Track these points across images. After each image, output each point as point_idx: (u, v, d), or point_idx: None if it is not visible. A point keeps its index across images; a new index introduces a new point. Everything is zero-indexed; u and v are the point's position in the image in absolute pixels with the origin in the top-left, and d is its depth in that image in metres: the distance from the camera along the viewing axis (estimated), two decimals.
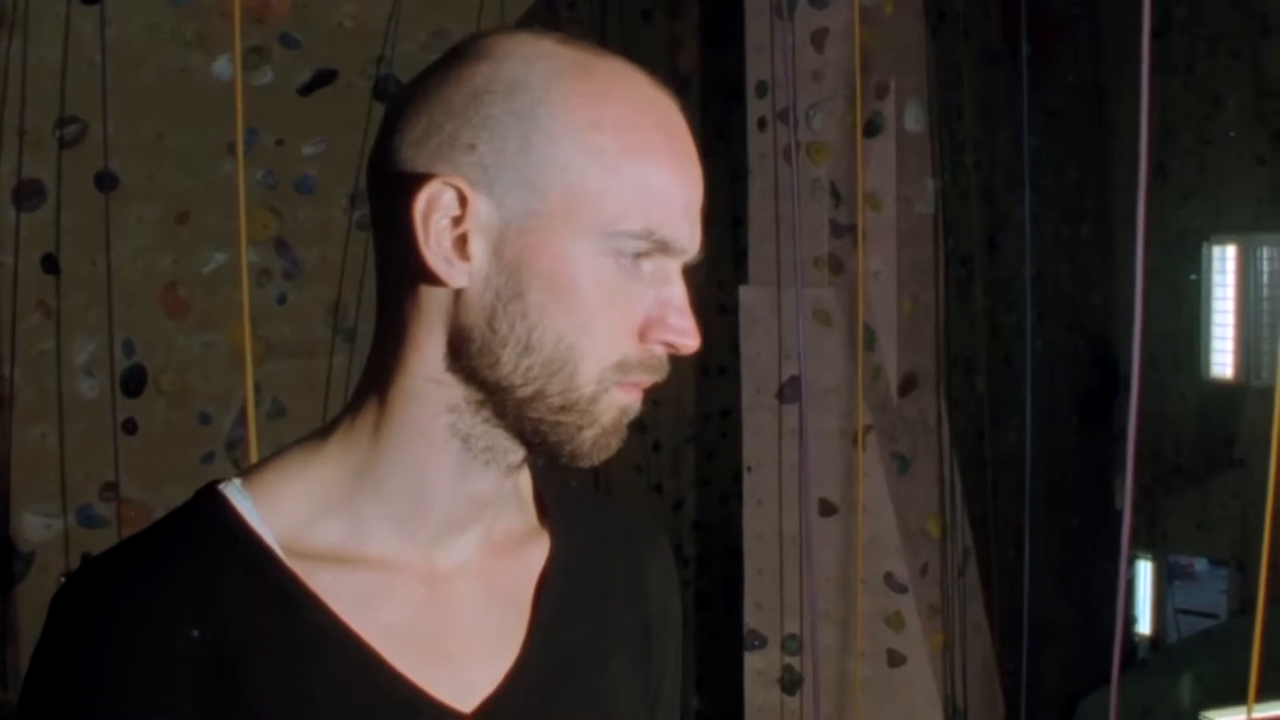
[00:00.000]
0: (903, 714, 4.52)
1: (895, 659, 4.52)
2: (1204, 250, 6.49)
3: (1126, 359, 9.69)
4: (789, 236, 4.45)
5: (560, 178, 1.01)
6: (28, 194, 3.87)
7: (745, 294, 4.65)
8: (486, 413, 1.06)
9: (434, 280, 1.03)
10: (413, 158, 1.02)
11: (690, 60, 6.45)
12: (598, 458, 1.07)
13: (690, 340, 1.06)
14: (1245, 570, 10.71)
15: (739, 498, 4.72)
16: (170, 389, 4.28)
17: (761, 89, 4.53)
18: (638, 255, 1.04)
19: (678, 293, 1.06)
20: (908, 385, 4.66)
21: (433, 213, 1.01)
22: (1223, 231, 6.78)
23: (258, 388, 4.47)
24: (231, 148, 4.17)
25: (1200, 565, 12.29)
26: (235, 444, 4.44)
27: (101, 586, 1.03)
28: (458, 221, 1.01)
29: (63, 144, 3.92)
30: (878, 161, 4.49)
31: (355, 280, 4.52)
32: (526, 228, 1.02)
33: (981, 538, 4.83)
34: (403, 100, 1.06)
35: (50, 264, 3.96)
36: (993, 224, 6.71)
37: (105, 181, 3.99)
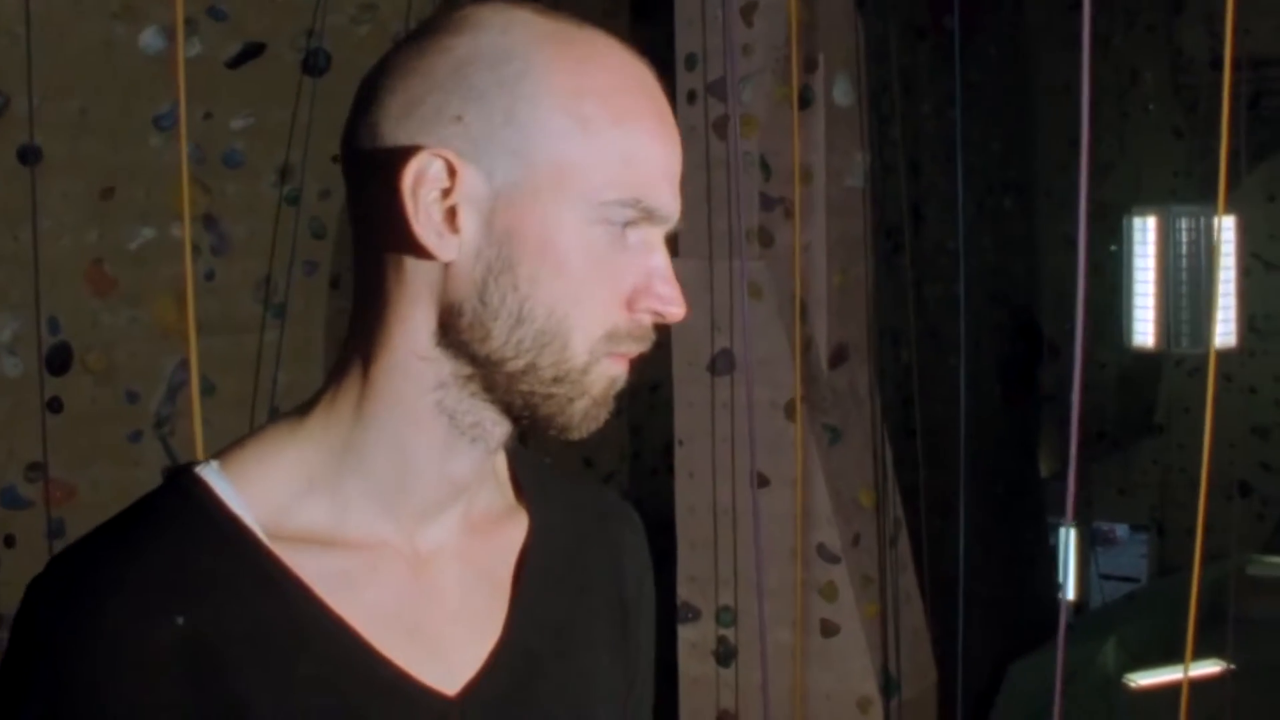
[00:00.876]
0: (837, 683, 4.56)
1: (829, 629, 4.56)
2: (1124, 222, 6.57)
3: (1051, 328, 9.82)
4: (720, 209, 4.46)
5: (548, 147, 1.01)
6: None
7: (676, 267, 4.64)
8: (474, 388, 1.04)
9: (422, 254, 1.01)
10: (395, 130, 1.01)
11: (619, 32, 6.42)
12: (587, 429, 1.06)
13: (677, 308, 1.07)
14: (1164, 535, 10.91)
15: (669, 470, 4.72)
16: (96, 367, 4.23)
17: (691, 62, 4.52)
18: (625, 224, 1.04)
19: (662, 261, 1.07)
20: (838, 357, 4.68)
21: (421, 185, 0.99)
22: (1142, 203, 6.86)
23: (185, 365, 4.42)
24: (158, 121, 4.12)
25: (1121, 531, 12.50)
26: (164, 422, 4.39)
27: (79, 574, 1.00)
28: (446, 194, 1.00)
29: None
30: (808, 135, 4.50)
31: (285, 256, 4.48)
32: (516, 199, 1.01)
33: (912, 508, 4.88)
34: (378, 74, 1.05)
35: None
36: (918, 197, 6.76)
37: (29, 155, 3.92)
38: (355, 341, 1.07)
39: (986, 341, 8.40)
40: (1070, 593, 11.29)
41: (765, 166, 4.50)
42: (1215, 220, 5.94)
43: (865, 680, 4.56)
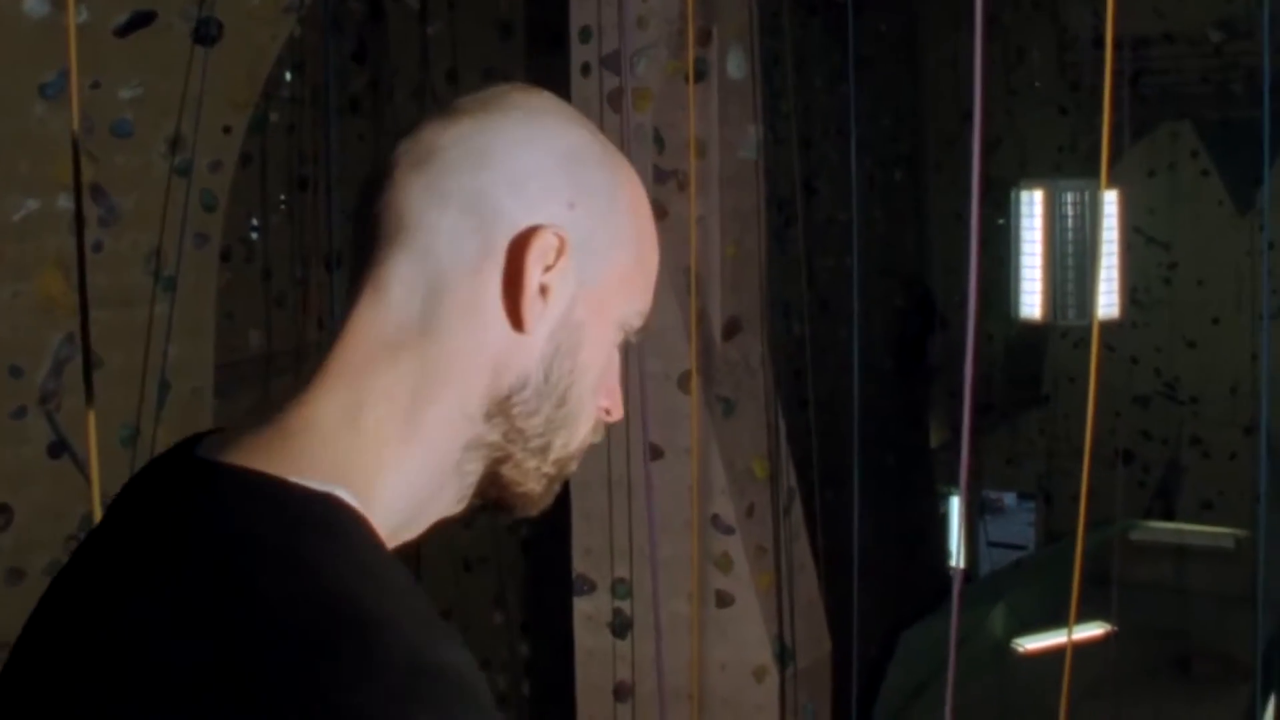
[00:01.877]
0: (732, 653, 4.61)
1: (724, 599, 4.61)
2: (1012, 196, 6.68)
3: (940, 301, 9.95)
4: None
5: (620, 257, 1.09)
6: None
7: None
8: (489, 456, 1.08)
9: (512, 320, 1.05)
10: (505, 199, 1.05)
11: (513, 6, 6.42)
12: (534, 512, 1.12)
13: (621, 412, 1.14)
14: (1051, 502, 11.13)
15: None
16: None
17: (585, 35, 4.52)
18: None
19: (618, 363, 1.14)
20: (731, 329, 4.72)
21: (538, 259, 1.04)
22: (1029, 178, 6.98)
23: (71, 339, 4.34)
24: (44, 90, 4.03)
25: (1009, 499, 12.72)
26: (49, 397, 4.31)
27: (423, 663, 0.92)
28: (547, 270, 1.05)
29: None
30: (701, 108, 4.52)
31: (175, 227, 4.41)
32: (592, 293, 1.08)
33: (805, 478, 4.93)
34: (472, 132, 1.07)
35: None
36: (809, 170, 6.82)
37: None
38: (398, 368, 1.06)
39: (878, 314, 8.50)
40: (959, 560, 11.48)
41: (659, 139, 4.52)
42: (1098, 194, 6.07)
43: (761, 650, 4.61)
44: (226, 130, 4.60)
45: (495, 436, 1.07)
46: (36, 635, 1.03)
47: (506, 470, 1.09)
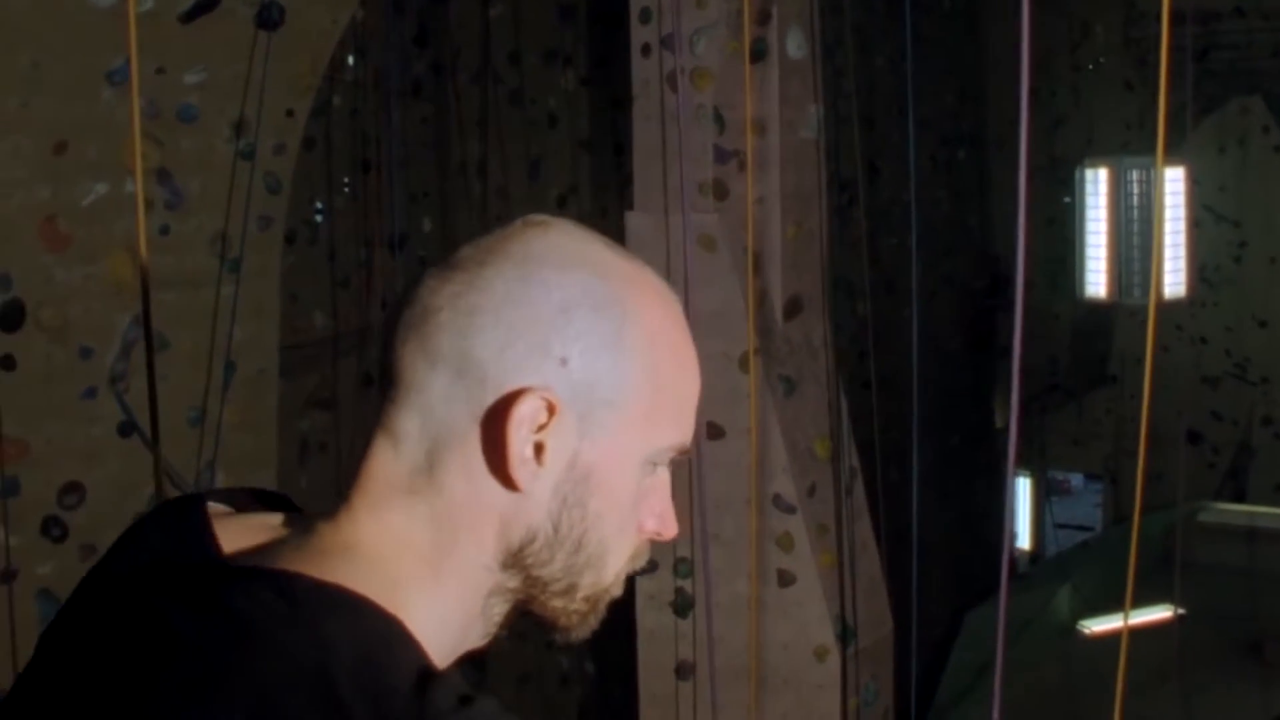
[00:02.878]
0: (794, 633, 4.60)
1: (785, 579, 4.60)
2: (1077, 174, 6.62)
3: (1012, 280, 9.87)
4: (675, 163, 4.47)
5: (634, 398, 1.06)
6: None
7: (631, 220, 4.66)
8: (512, 600, 1.09)
9: (505, 481, 1.04)
10: (493, 360, 1.04)
11: None
12: (576, 638, 1.13)
13: (675, 530, 1.13)
14: (1118, 483, 11.02)
15: None
16: (50, 323, 4.20)
17: (645, 15, 4.52)
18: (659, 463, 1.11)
19: (668, 484, 1.12)
20: (792, 309, 4.71)
21: (523, 424, 1.03)
22: (1095, 155, 6.92)
23: (139, 320, 4.40)
24: (111, 76, 4.09)
25: (1076, 480, 12.62)
26: (118, 378, 4.38)
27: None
28: (540, 428, 1.03)
29: None
30: (761, 87, 4.51)
31: (240, 210, 4.46)
32: (600, 441, 1.05)
33: (867, 458, 4.92)
34: (462, 290, 1.06)
35: None
36: (872, 150, 6.79)
37: None
38: (415, 514, 1.07)
39: (944, 293, 8.46)
40: (1025, 542, 11.41)
41: (719, 119, 4.51)
42: (1159, 172, 6.00)
43: (822, 629, 4.60)
44: (289, 114, 4.65)
45: (515, 584, 1.08)
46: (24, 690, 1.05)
47: (535, 609, 1.10)
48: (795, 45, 4.56)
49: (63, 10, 3.97)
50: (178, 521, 1.08)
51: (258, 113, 4.42)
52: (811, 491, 4.67)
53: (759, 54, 4.47)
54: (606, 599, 1.12)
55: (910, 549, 4.43)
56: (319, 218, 5.98)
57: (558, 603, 1.09)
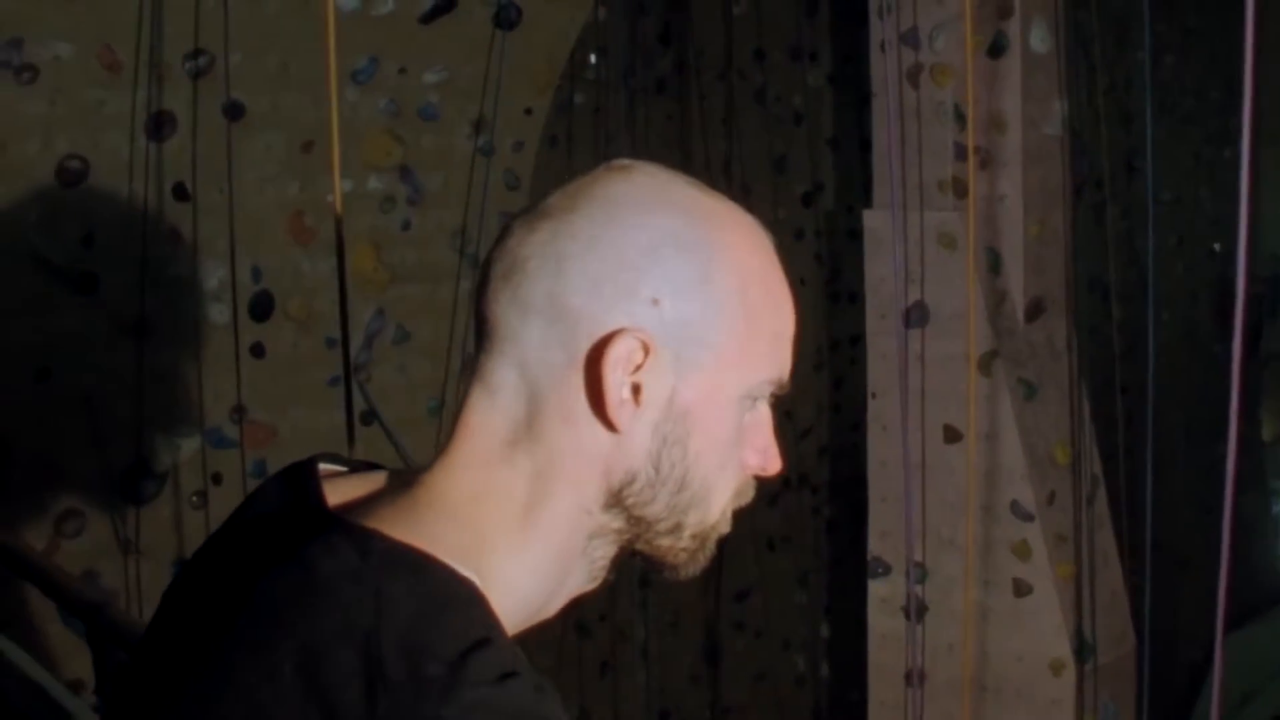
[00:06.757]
0: (1029, 644, 4.48)
1: (1021, 588, 4.48)
2: None
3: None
4: (914, 160, 4.39)
5: (726, 333, 1.08)
6: (160, 125, 3.95)
7: (869, 218, 4.61)
8: (616, 541, 1.11)
9: (605, 423, 1.06)
10: (585, 302, 1.05)
11: None
12: (691, 574, 1.15)
13: (779, 465, 1.14)
14: None
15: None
16: (297, 314, 4.35)
17: (884, 10, 4.45)
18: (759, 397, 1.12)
19: (770, 420, 1.14)
20: (1035, 310, 4.58)
21: (618, 365, 1.04)
22: None
23: (381, 313, 4.54)
24: (355, 76, 4.23)
25: None
26: (361, 368, 4.51)
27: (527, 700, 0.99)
28: (636, 369, 1.05)
29: (195, 75, 3.98)
30: (1003, 83, 4.40)
31: (479, 206, 4.55)
32: (695, 379, 1.07)
33: (1112, 467, 4.74)
34: (549, 238, 1.07)
35: (181, 192, 4.04)
36: (1130, 147, 6.54)
37: (232, 111, 4.04)
38: (514, 466, 1.08)
39: (1206, 297, 8.11)
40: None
41: (960, 116, 4.41)
42: None
43: (1059, 641, 4.46)
44: (528, 112, 4.72)
45: (619, 524, 1.10)
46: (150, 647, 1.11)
47: (642, 547, 1.11)
48: (1039, 39, 4.43)
49: (309, 13, 4.11)
50: (292, 478, 1.11)
51: (495, 111, 4.50)
52: (1051, 499, 4.53)
53: (1000, 49, 4.36)
54: (715, 536, 1.13)
55: (1162, 563, 4.24)
56: None
57: (665, 541, 1.11)
